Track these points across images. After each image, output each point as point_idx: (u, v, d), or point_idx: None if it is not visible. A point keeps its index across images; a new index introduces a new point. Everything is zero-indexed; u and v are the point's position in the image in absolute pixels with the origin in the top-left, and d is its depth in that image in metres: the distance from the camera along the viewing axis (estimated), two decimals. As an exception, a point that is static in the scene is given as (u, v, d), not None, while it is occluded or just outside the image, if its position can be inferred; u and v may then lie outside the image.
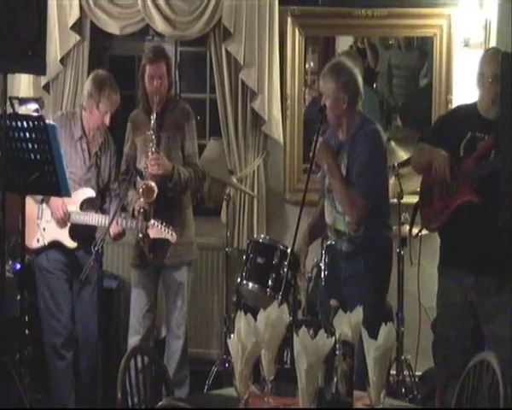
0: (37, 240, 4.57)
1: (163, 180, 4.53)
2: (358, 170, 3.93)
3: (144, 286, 4.76)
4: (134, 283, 4.81)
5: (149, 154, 4.50)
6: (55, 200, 4.50)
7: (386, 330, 2.73)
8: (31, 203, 4.53)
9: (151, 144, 4.51)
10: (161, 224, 4.43)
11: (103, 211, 4.66)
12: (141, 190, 4.47)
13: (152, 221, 4.44)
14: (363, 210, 3.92)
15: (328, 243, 4.05)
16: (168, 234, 4.44)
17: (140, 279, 4.77)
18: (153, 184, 4.46)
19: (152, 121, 4.52)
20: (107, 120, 4.53)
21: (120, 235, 4.55)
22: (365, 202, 3.91)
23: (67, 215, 4.52)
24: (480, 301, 3.78)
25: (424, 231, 4.20)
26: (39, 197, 4.57)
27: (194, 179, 4.70)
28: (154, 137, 4.52)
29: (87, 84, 4.58)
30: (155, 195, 4.45)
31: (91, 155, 4.64)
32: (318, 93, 4.12)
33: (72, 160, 4.55)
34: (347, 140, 4.01)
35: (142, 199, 4.47)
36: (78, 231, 4.57)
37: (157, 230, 4.43)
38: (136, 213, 4.51)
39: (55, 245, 4.57)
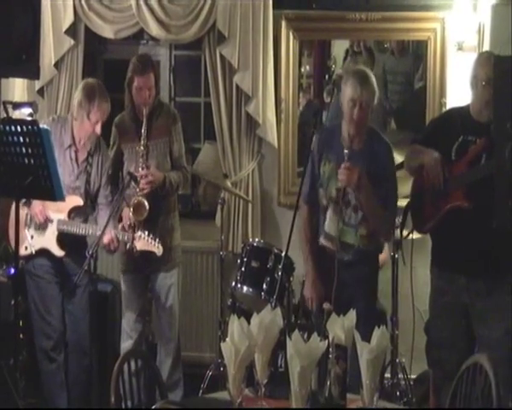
0: (25, 247, 4.55)
1: (154, 191, 4.52)
2: (385, 186, 3.97)
3: (135, 291, 4.75)
4: (124, 288, 4.79)
5: (140, 169, 4.48)
6: (35, 204, 4.48)
7: (379, 333, 2.75)
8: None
9: (141, 160, 4.49)
10: (148, 236, 4.40)
11: (91, 220, 4.63)
12: (132, 207, 4.45)
13: (139, 233, 4.41)
14: (394, 225, 4.01)
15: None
16: (154, 247, 4.40)
17: (130, 285, 4.76)
18: (145, 201, 4.44)
19: (142, 136, 4.50)
20: (98, 129, 4.49)
21: (114, 244, 4.45)
22: (394, 217, 4.05)
23: (48, 220, 4.51)
24: (472, 302, 3.80)
25: (416, 235, 4.21)
26: (22, 201, 4.54)
27: (184, 184, 4.73)
28: (144, 153, 4.51)
29: (77, 94, 4.53)
30: (146, 213, 4.43)
31: (79, 163, 4.60)
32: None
33: (61, 167, 4.51)
34: (361, 150, 3.98)
35: (131, 215, 4.46)
36: (65, 239, 4.55)
37: (144, 242, 4.39)
38: (124, 225, 4.50)
39: (43, 253, 4.55)
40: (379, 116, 5.82)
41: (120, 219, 4.57)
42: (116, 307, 5.51)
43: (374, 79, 3.99)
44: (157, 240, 4.40)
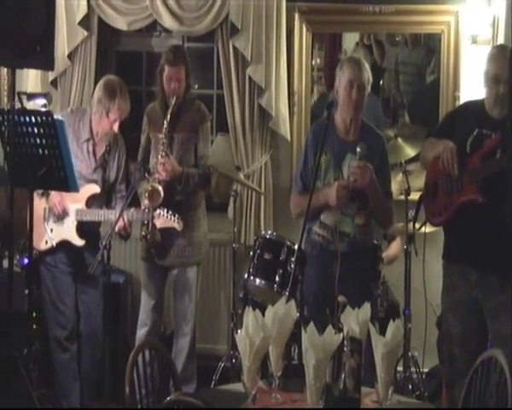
0: (46, 242, 4.57)
1: (172, 183, 4.53)
2: (382, 175, 4.00)
3: (152, 280, 4.77)
4: (143, 276, 4.83)
5: (159, 157, 4.49)
6: (54, 195, 4.49)
7: (394, 327, 2.74)
8: (37, 204, 4.53)
9: (162, 147, 4.50)
10: (167, 212, 4.41)
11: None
12: (146, 193, 4.45)
13: (158, 211, 4.42)
14: (394, 214, 4.08)
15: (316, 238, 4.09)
16: (175, 222, 4.41)
17: (149, 273, 4.79)
18: (159, 187, 4.44)
19: (165, 124, 4.51)
20: (115, 128, 4.49)
21: (126, 231, 4.49)
22: (392, 206, 4.07)
23: (67, 211, 4.52)
24: (485, 297, 3.78)
25: (429, 228, 4.19)
26: (39, 191, 4.54)
27: (205, 182, 4.73)
28: (165, 140, 4.51)
29: (98, 90, 4.53)
30: (161, 199, 4.43)
31: (97, 157, 4.61)
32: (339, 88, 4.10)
33: (78, 160, 4.51)
34: (355, 141, 3.99)
35: (146, 201, 4.46)
36: (84, 230, 4.56)
37: (163, 219, 4.41)
38: (142, 204, 4.51)
39: (63, 245, 4.56)
40: (390, 108, 5.83)
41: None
42: (128, 299, 5.53)
43: (368, 67, 4.07)
44: (177, 215, 4.41)
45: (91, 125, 4.58)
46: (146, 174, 4.50)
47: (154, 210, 4.42)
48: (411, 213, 4.53)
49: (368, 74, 4.04)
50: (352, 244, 4.04)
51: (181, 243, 4.66)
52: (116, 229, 4.36)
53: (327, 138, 3.95)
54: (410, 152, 5.10)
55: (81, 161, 4.53)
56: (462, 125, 3.86)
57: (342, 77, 4.02)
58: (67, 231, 4.54)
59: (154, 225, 4.43)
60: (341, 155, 4.04)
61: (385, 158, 4.13)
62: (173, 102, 4.53)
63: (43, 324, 4.78)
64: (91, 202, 4.55)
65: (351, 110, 4.01)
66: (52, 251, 4.57)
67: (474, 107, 3.92)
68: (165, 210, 4.41)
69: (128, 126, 4.89)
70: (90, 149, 4.58)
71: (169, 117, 4.51)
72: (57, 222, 4.56)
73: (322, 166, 4.04)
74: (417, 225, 4.38)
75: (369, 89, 4.06)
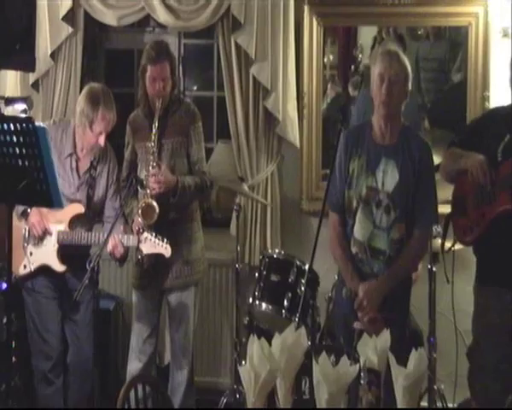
0: (24, 266, 4.60)
1: (165, 195, 4.54)
2: (423, 193, 3.98)
3: (146, 309, 4.78)
4: (135, 305, 4.83)
5: (150, 168, 4.51)
6: (32, 214, 4.51)
7: (416, 357, 2.73)
8: (16, 226, 4.56)
9: (151, 158, 4.52)
10: (154, 237, 4.43)
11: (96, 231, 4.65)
12: (140, 209, 4.47)
13: (145, 235, 4.44)
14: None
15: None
16: (162, 248, 4.43)
17: (141, 301, 4.79)
18: (154, 203, 4.46)
19: (153, 130, 4.53)
20: (101, 141, 4.51)
21: (120, 252, 4.51)
22: (431, 224, 4.09)
23: (47, 232, 4.54)
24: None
25: (458, 245, 4.19)
26: (19, 211, 4.57)
27: (202, 190, 4.71)
28: (155, 149, 4.53)
29: (80, 100, 4.56)
30: (156, 215, 4.45)
31: (80, 174, 4.64)
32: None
33: (60, 177, 4.52)
34: (393, 146, 4.00)
35: (140, 219, 4.48)
36: (67, 252, 4.58)
37: (150, 244, 4.43)
38: (134, 231, 4.53)
39: (43, 270, 4.58)
40: (414, 115, 5.81)
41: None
42: (119, 327, 5.54)
43: (406, 58, 4.01)
44: (165, 240, 4.42)
45: (75, 138, 4.61)
46: (139, 187, 4.51)
47: (149, 229, 4.43)
48: (435, 228, 4.53)
49: (405, 68, 3.96)
50: (388, 265, 4.00)
51: (177, 261, 4.67)
52: (110, 248, 4.38)
53: (361, 142, 3.99)
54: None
55: (63, 178, 4.55)
56: (491, 131, 3.87)
57: (373, 71, 3.98)
58: (47, 255, 4.57)
59: (140, 251, 4.45)
60: (376, 160, 4.01)
61: (429, 172, 4.04)
62: (159, 104, 4.54)
63: (24, 355, 4.79)
64: (75, 223, 4.57)
65: (381, 109, 3.97)
66: (32, 276, 4.59)
67: (503, 112, 3.94)
68: (153, 234, 4.43)
69: (118, 134, 4.90)
70: (73, 164, 4.61)
71: (157, 123, 4.52)
72: (37, 245, 4.58)
73: (354, 172, 4.04)
74: (445, 244, 4.36)
75: (409, 86, 4.00)
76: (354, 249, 4.04)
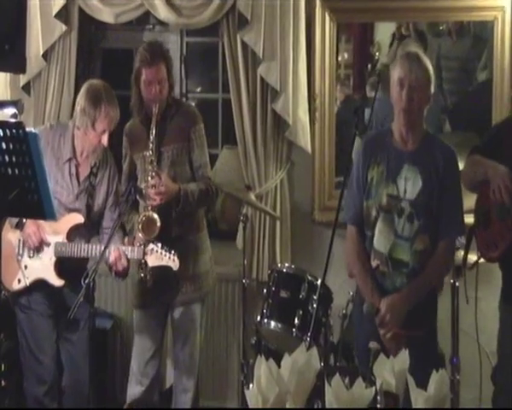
0: (18, 281, 4.60)
1: (168, 205, 4.56)
2: (449, 202, 3.98)
3: (149, 329, 4.78)
4: (136, 326, 4.84)
5: (149, 179, 4.52)
6: (29, 225, 4.52)
7: (437, 379, 2.73)
8: (10, 238, 4.58)
9: (150, 167, 4.53)
10: (161, 248, 4.44)
11: (95, 242, 4.65)
12: (140, 224, 4.49)
13: (150, 246, 4.45)
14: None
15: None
16: (170, 260, 4.44)
17: (144, 322, 4.80)
18: (155, 215, 4.48)
19: (151, 138, 4.54)
20: (105, 141, 4.52)
21: (123, 265, 4.50)
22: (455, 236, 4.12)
23: (44, 243, 4.55)
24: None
25: (482, 260, 4.19)
26: (13, 221, 4.58)
27: (207, 197, 4.73)
28: (153, 158, 4.54)
29: (80, 99, 4.56)
30: (158, 229, 4.47)
31: (80, 180, 4.65)
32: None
33: (58, 185, 4.56)
34: (415, 152, 4.02)
35: (141, 235, 4.49)
36: (65, 266, 4.59)
37: (156, 256, 4.45)
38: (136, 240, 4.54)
39: (39, 284, 4.59)
40: (434, 117, 5.81)
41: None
42: (117, 348, 5.55)
43: (428, 61, 4.02)
44: (172, 252, 4.43)
45: (74, 142, 4.62)
46: (137, 196, 4.52)
47: (150, 243, 4.45)
48: (459, 239, 4.52)
49: (426, 71, 3.98)
50: (411, 278, 4.01)
51: (184, 275, 4.68)
52: (112, 259, 4.39)
53: (381, 148, 4.01)
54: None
55: (61, 186, 4.57)
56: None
57: (393, 75, 4.01)
58: (44, 269, 4.57)
59: (145, 264, 4.46)
60: (397, 167, 4.02)
61: (455, 180, 4.05)
62: (156, 109, 4.55)
63: (15, 378, 4.80)
64: (74, 234, 4.59)
65: (401, 117, 3.99)
66: (27, 291, 4.60)
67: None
68: (159, 245, 4.44)
69: (116, 140, 4.91)
70: (73, 170, 4.62)
71: (154, 130, 4.53)
72: (33, 257, 4.60)
73: (373, 180, 4.06)
74: (468, 259, 4.36)
75: (431, 89, 4.02)
76: (375, 262, 4.05)
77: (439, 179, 3.96)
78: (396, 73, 3.97)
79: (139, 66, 4.63)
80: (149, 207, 4.50)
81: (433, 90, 4.02)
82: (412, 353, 2.85)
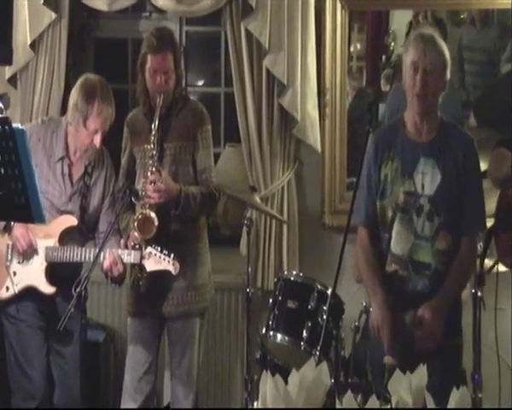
0: (7, 288, 4.61)
1: (166, 207, 4.56)
2: (470, 194, 3.98)
3: (143, 340, 4.78)
4: (130, 335, 4.84)
5: (148, 174, 4.53)
6: (16, 228, 4.53)
7: (457, 396, 2.74)
8: None
9: (150, 162, 4.54)
10: (160, 252, 4.45)
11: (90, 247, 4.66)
12: (136, 222, 4.49)
13: (148, 249, 4.46)
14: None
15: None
16: (169, 264, 4.45)
17: (138, 331, 4.79)
18: (152, 214, 4.48)
19: (153, 131, 4.55)
20: (97, 141, 4.52)
21: (119, 270, 4.50)
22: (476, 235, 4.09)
23: (33, 248, 4.55)
24: None
25: (502, 266, 4.18)
26: (1, 226, 4.59)
27: (209, 203, 4.74)
28: (154, 152, 4.55)
29: (73, 93, 4.57)
30: (155, 229, 4.47)
31: (74, 180, 4.65)
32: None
33: (49, 185, 4.57)
34: (431, 142, 4.01)
35: (136, 234, 4.50)
36: (56, 273, 4.59)
37: (154, 260, 4.45)
38: (129, 246, 4.54)
39: (29, 292, 4.60)
40: (456, 112, 5.81)
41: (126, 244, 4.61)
42: (110, 361, 5.55)
43: (443, 44, 4.01)
44: (172, 256, 4.44)
45: (67, 140, 4.63)
46: (132, 198, 4.52)
47: (147, 245, 4.45)
48: (480, 245, 4.53)
49: (442, 54, 3.96)
50: (434, 280, 3.99)
51: (181, 286, 4.69)
52: (107, 265, 4.40)
53: (393, 143, 4.01)
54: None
55: (53, 186, 4.58)
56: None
57: (406, 59, 3.99)
58: (34, 275, 4.58)
59: (143, 269, 4.47)
60: (413, 161, 4.01)
61: (476, 170, 4.05)
62: (161, 101, 4.56)
63: (2, 394, 4.81)
64: (67, 237, 4.59)
65: (415, 104, 3.97)
66: (15, 300, 4.61)
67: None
68: (158, 249, 4.45)
69: (111, 136, 4.91)
70: (66, 170, 4.63)
71: (157, 122, 4.54)
72: (22, 263, 4.60)
73: (387, 178, 4.06)
74: (486, 263, 4.37)
75: (447, 75, 4.00)
76: (392, 267, 4.04)
77: (458, 171, 3.95)
78: (409, 56, 3.95)
79: (145, 52, 4.64)
80: (147, 205, 4.50)
81: (449, 76, 4.00)
82: (438, 366, 2.86)
